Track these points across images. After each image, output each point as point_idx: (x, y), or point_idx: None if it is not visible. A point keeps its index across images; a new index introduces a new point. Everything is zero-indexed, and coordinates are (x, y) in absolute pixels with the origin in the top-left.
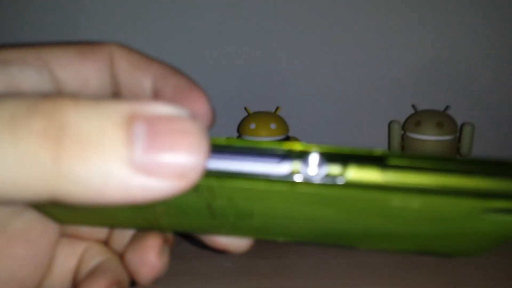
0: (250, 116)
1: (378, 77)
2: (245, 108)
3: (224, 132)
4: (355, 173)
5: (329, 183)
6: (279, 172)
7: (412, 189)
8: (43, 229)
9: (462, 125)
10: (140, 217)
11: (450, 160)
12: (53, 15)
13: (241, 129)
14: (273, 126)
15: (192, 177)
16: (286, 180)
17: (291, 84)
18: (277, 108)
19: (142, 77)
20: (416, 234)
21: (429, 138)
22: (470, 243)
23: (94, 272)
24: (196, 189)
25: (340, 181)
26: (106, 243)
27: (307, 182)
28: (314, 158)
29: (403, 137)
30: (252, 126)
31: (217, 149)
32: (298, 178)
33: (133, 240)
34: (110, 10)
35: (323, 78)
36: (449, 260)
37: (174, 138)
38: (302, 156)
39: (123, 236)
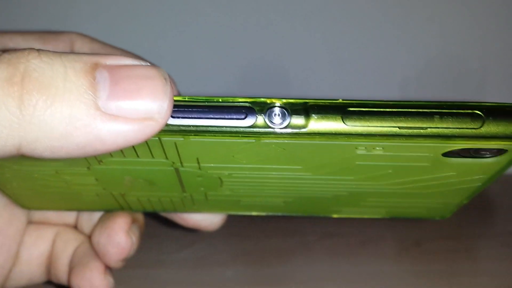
0: None
1: (386, 75)
2: None
3: None
4: (318, 123)
5: (293, 132)
6: (244, 125)
7: (373, 134)
8: (10, 216)
9: None
10: (108, 193)
11: (408, 104)
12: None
13: None
14: None
15: (158, 120)
16: (251, 132)
17: (294, 83)
18: None
19: None
20: (385, 193)
21: None
22: (437, 199)
23: (82, 258)
24: (163, 150)
25: (303, 131)
26: (75, 227)
27: (271, 133)
28: (277, 111)
29: None
30: None
31: (182, 107)
32: (262, 130)
33: (101, 221)
34: (112, 6)
35: (329, 76)
36: (463, 271)
37: (138, 83)
38: (266, 109)
39: (91, 218)
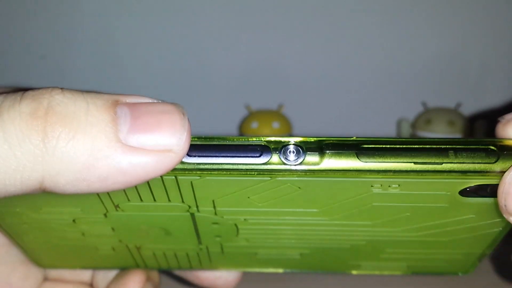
0: (251, 115)
1: (385, 73)
2: (247, 107)
3: (224, 131)
4: (332, 159)
5: (308, 169)
6: (259, 163)
7: (389, 170)
8: (26, 272)
9: (474, 122)
10: (124, 247)
11: (422, 141)
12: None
13: (242, 128)
14: (276, 125)
15: (177, 152)
16: (266, 170)
17: (295, 81)
18: (280, 106)
19: None
20: (404, 241)
21: (440, 137)
22: (458, 249)
23: None
24: (179, 191)
25: (318, 168)
26: (91, 285)
27: (286, 170)
28: (292, 148)
29: (412, 136)
30: (254, 125)
31: (199, 146)
32: (277, 167)
33: (116, 278)
34: (112, 7)
35: (329, 74)
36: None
37: (157, 117)
38: (280, 147)
39: (106, 276)
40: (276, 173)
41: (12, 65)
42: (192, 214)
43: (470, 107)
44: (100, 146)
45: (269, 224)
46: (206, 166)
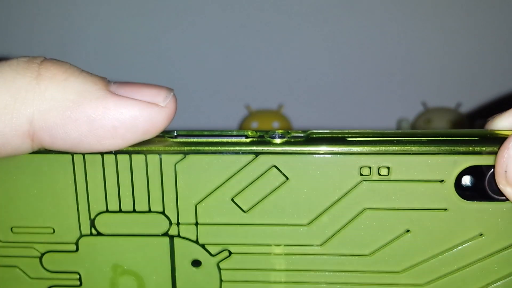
0: (251, 115)
1: (386, 73)
2: (247, 107)
3: None
4: (318, 139)
5: (293, 149)
6: (244, 141)
7: (375, 147)
8: None
9: (474, 122)
10: None
11: (408, 131)
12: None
13: (242, 128)
14: (276, 125)
15: (164, 107)
16: (251, 148)
17: (295, 81)
18: (280, 106)
19: None
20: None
21: None
22: None
23: None
24: (161, 181)
25: (303, 148)
26: None
27: (271, 146)
28: (277, 133)
29: None
30: (254, 125)
31: (185, 135)
32: (262, 146)
33: None
34: (112, 9)
35: (329, 74)
36: None
37: (144, 84)
38: (265, 133)
39: None
40: (260, 150)
41: None
42: (171, 241)
43: (470, 107)
44: (90, 89)
45: (257, 264)
46: (191, 141)
